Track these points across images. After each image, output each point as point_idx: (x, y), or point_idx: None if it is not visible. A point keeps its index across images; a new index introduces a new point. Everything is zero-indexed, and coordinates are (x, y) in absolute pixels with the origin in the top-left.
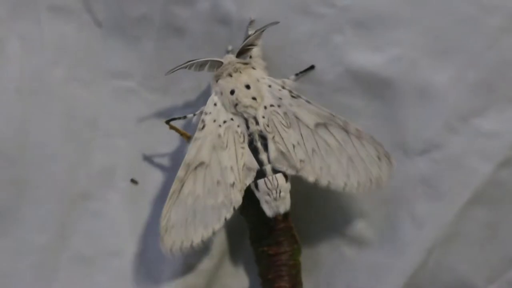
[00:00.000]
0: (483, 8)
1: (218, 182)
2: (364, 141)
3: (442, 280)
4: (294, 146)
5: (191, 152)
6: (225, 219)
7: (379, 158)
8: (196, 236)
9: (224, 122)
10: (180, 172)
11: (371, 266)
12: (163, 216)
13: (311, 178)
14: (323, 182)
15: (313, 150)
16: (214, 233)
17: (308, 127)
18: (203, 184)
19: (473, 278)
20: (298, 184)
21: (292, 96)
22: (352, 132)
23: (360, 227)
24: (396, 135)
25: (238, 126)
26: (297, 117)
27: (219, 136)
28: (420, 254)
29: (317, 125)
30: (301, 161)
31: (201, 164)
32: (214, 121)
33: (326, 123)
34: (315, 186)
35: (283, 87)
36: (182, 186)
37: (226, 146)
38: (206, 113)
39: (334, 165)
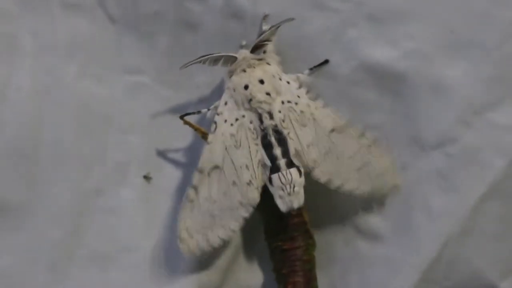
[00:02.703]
0: (496, 2)
1: (233, 183)
2: (378, 151)
3: (456, 274)
4: (308, 146)
5: (204, 158)
6: (244, 218)
7: (391, 169)
8: (215, 239)
9: (236, 120)
10: (194, 180)
11: (386, 260)
12: (181, 227)
13: (322, 179)
14: (334, 184)
15: (326, 153)
16: (234, 233)
17: (323, 129)
18: (219, 187)
19: (487, 272)
20: (312, 179)
21: (310, 98)
22: (367, 141)
23: (374, 221)
24: (411, 129)
25: (251, 122)
26: (314, 118)
27: (232, 135)
28: (435, 248)
29: (334, 129)
30: (314, 161)
31: (215, 167)
32: (225, 121)
33: (343, 130)
34: None
35: (301, 87)
36: (196, 193)
37: (240, 145)
38: (218, 114)
39: (345, 171)
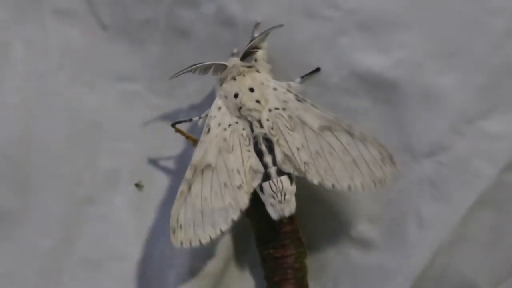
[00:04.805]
0: (488, 10)
1: (225, 185)
2: (368, 144)
3: (447, 283)
4: (298, 149)
5: (198, 155)
6: (232, 220)
7: (383, 161)
8: (204, 236)
9: (229, 125)
10: (188, 174)
11: (378, 268)
12: (172, 216)
13: (315, 181)
14: (328, 184)
15: (317, 153)
16: (222, 233)
17: (312, 129)
18: (210, 186)
19: (478, 281)
20: (303, 187)
21: (298, 100)
22: (357, 135)
23: (366, 229)
24: (402, 137)
25: (243, 129)
26: (301, 120)
27: (225, 139)
28: (426, 257)
29: (322, 128)
30: (305, 163)
31: (208, 166)
32: (219, 124)
33: (331, 126)
34: (320, 188)
35: (289, 91)
36: (189, 187)
37: (232, 149)
38: (211, 117)
39: (338, 168)
